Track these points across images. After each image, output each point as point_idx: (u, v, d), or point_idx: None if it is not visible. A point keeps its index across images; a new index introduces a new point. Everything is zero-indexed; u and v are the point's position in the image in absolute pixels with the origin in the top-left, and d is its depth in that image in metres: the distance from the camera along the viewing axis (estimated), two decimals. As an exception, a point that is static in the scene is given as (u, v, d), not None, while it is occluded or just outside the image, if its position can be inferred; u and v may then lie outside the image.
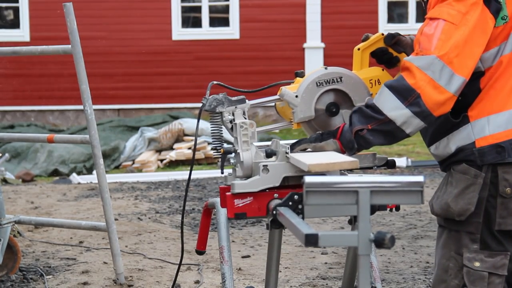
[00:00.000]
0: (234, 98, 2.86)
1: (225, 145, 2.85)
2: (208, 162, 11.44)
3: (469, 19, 2.58)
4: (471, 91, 2.65)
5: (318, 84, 2.86)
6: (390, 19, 15.06)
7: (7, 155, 10.50)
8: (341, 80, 2.88)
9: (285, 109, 2.95)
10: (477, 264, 2.67)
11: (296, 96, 2.85)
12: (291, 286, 5.10)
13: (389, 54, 2.92)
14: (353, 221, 3.03)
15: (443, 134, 2.73)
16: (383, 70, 2.94)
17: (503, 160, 2.63)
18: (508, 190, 2.63)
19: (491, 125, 2.64)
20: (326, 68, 2.89)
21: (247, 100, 2.88)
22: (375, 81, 2.92)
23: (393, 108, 2.58)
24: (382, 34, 2.94)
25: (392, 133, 2.62)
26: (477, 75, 2.65)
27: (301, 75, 2.93)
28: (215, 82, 2.97)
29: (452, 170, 2.72)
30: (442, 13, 2.61)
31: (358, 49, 2.94)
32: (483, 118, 2.65)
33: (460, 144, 2.69)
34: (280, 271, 5.32)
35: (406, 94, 2.57)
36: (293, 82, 2.96)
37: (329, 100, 2.89)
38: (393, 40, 2.92)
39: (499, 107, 2.64)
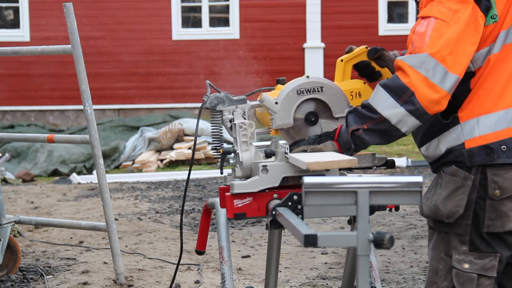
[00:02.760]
0: (235, 98, 2.86)
1: (225, 145, 2.85)
2: (208, 162, 11.44)
3: (460, 16, 2.57)
4: (461, 92, 2.65)
5: (299, 92, 2.86)
6: (390, 19, 15.06)
7: (7, 155, 10.50)
8: (321, 90, 2.87)
9: (264, 115, 2.95)
10: (466, 265, 2.66)
11: (276, 103, 2.85)
12: (291, 286, 5.10)
13: (372, 68, 2.93)
14: (352, 221, 3.04)
15: (434, 135, 2.72)
16: (364, 83, 2.94)
17: (492, 162, 2.62)
18: (497, 193, 2.62)
19: (481, 126, 2.63)
20: (308, 77, 2.89)
21: (248, 101, 2.88)
22: (356, 93, 2.93)
23: (388, 107, 2.58)
24: (366, 48, 2.94)
25: (387, 132, 2.62)
26: (468, 75, 2.64)
27: (283, 82, 2.93)
28: (208, 82, 2.97)
29: (442, 172, 2.71)
30: (433, 11, 2.60)
31: (341, 60, 2.94)
32: (472, 119, 2.64)
33: (450, 145, 2.68)
34: (280, 271, 5.32)
35: (400, 93, 2.56)
36: (274, 89, 2.96)
37: (308, 109, 2.88)
38: (376, 54, 2.92)
39: (488, 108, 2.64)
